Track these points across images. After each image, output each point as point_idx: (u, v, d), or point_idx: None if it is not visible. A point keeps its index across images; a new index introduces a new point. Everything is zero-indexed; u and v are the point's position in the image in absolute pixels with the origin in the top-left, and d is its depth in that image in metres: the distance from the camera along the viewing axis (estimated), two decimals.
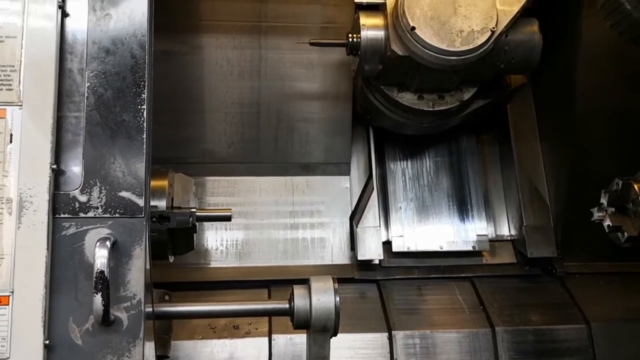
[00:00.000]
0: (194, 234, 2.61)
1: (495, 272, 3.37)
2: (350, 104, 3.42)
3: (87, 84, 1.97)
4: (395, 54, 2.71)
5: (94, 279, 1.79)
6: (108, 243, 1.84)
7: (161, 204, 2.45)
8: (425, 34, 2.61)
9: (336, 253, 3.36)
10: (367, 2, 2.84)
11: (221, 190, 3.39)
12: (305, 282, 2.26)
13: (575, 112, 3.31)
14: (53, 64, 1.93)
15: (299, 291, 2.22)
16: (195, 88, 3.33)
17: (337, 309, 2.18)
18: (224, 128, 3.37)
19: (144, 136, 1.97)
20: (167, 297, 2.56)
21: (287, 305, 2.23)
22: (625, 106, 3.11)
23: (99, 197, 1.92)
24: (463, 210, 3.53)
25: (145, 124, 1.97)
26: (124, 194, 1.93)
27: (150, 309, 1.99)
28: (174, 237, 2.54)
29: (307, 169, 3.48)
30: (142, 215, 1.93)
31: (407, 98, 2.97)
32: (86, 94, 1.97)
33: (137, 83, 1.99)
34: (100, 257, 1.80)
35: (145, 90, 1.99)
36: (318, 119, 3.43)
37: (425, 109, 2.97)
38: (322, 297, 2.19)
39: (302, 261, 3.31)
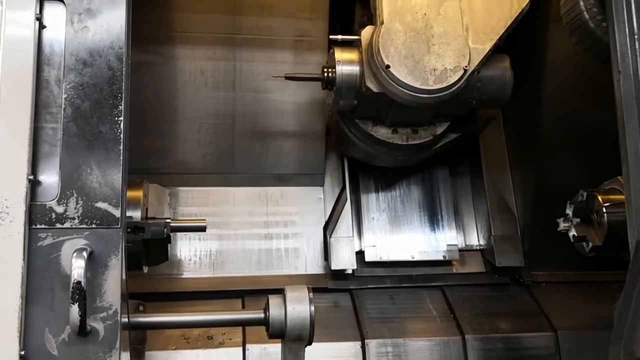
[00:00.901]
0: (168, 245, 2.60)
1: (465, 281, 3.44)
2: (325, 115, 3.45)
3: (64, 96, 1.97)
4: (370, 91, 2.73)
5: (71, 289, 1.80)
6: (85, 254, 1.84)
7: (136, 214, 2.44)
8: (400, 72, 2.64)
9: (310, 263, 3.39)
10: (342, 38, 2.86)
11: (195, 201, 3.39)
12: (279, 292, 2.28)
13: (541, 126, 3.38)
14: (30, 75, 1.93)
15: (274, 301, 2.25)
16: (169, 99, 3.34)
17: (312, 319, 2.21)
18: (199, 139, 3.38)
19: (121, 147, 1.98)
20: (141, 308, 2.56)
21: (262, 315, 2.25)
22: (589, 120, 3.19)
23: (75, 208, 1.92)
24: (434, 220, 3.59)
25: (122, 135, 1.98)
26: (100, 204, 1.94)
27: (126, 319, 1.99)
28: (148, 247, 2.53)
29: (281, 180, 3.51)
30: (119, 226, 1.94)
31: (382, 132, 3.00)
32: (63, 105, 1.97)
33: (114, 95, 2.00)
34: (77, 268, 1.81)
35: (123, 102, 2.00)
36: (292, 130, 3.46)
37: (400, 142, 3.01)
38: (297, 307, 2.22)
39: (276, 271, 3.33)
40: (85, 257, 1.84)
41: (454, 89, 2.69)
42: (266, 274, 3.30)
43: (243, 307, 3.09)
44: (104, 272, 1.90)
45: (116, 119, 1.99)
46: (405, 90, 2.65)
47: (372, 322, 3.12)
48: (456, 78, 2.67)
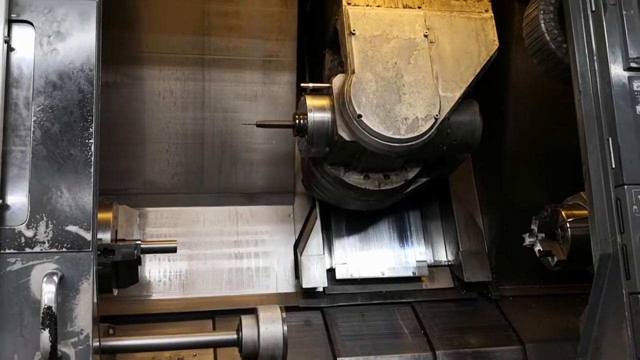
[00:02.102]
0: (139, 266, 2.58)
1: (434, 297, 3.48)
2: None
3: (33, 118, 1.96)
4: (342, 139, 2.73)
5: (41, 315, 1.77)
6: (55, 278, 1.82)
7: (105, 236, 2.42)
8: (372, 121, 2.64)
9: (281, 281, 3.39)
10: (313, 86, 2.86)
11: (165, 221, 3.38)
12: (250, 311, 2.29)
13: (505, 143, 3.47)
14: None
15: (247, 321, 2.25)
16: (137, 119, 3.32)
17: (284, 339, 2.22)
18: (167, 159, 3.37)
19: (92, 170, 1.97)
20: (111, 331, 2.53)
21: (235, 336, 2.24)
22: (550, 138, 3.29)
23: (45, 232, 1.90)
24: (403, 238, 3.63)
25: (92, 158, 1.97)
26: (71, 228, 1.92)
27: (97, 344, 1.96)
28: (118, 270, 2.51)
29: (251, 199, 3.52)
30: (90, 250, 1.92)
31: (354, 178, 3.00)
32: (32, 128, 1.95)
33: (84, 117, 1.99)
34: (47, 293, 1.78)
35: (93, 124, 1.99)
36: (262, 149, 3.47)
37: (371, 188, 3.01)
38: (270, 327, 2.22)
39: (247, 290, 3.32)
40: (56, 281, 1.81)
41: (425, 137, 2.70)
42: (237, 293, 3.29)
43: (214, 327, 3.07)
44: (75, 296, 1.88)
45: (87, 141, 1.98)
46: (378, 140, 2.65)
47: (344, 339, 3.13)
48: (427, 127, 2.68)
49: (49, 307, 1.77)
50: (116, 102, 3.25)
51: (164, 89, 3.31)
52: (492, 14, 2.98)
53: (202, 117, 3.36)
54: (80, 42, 2.03)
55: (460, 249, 3.55)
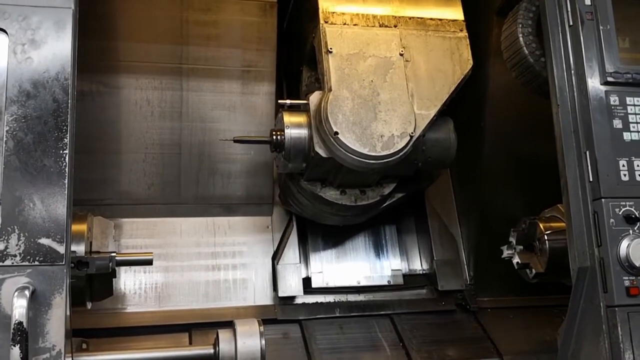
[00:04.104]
0: (113, 279, 2.54)
1: (412, 309, 3.47)
2: None
3: (6, 128, 1.90)
4: (319, 156, 2.74)
5: (12, 330, 1.72)
6: (27, 292, 1.77)
7: (79, 248, 2.36)
8: (348, 138, 2.65)
9: (259, 294, 3.35)
10: (290, 102, 2.87)
11: (140, 232, 3.32)
12: (228, 325, 2.25)
13: (483, 155, 3.48)
14: None
15: (224, 335, 2.21)
16: (113, 128, 3.27)
17: (262, 353, 2.19)
18: (144, 169, 3.32)
19: (66, 181, 1.92)
20: (84, 346, 2.46)
21: (211, 350, 2.21)
22: (527, 150, 3.31)
23: (17, 245, 1.85)
24: (378, 248, 3.64)
25: (67, 169, 1.93)
26: (44, 240, 1.87)
27: (70, 359, 1.92)
28: (92, 282, 2.46)
29: (229, 210, 3.48)
30: (63, 263, 1.87)
31: (330, 193, 3.01)
32: (5, 138, 1.90)
33: (59, 127, 1.94)
34: (18, 308, 1.73)
35: (68, 134, 1.94)
36: (240, 160, 3.44)
37: (348, 204, 3.02)
38: (248, 341, 2.19)
39: (224, 303, 3.27)
40: (28, 296, 1.76)
41: (401, 154, 2.72)
42: (214, 306, 3.24)
43: (190, 341, 3.02)
44: (47, 311, 1.83)
45: (61, 152, 1.93)
46: (354, 157, 2.66)
47: (322, 353, 3.10)
48: (403, 144, 2.70)
49: (20, 323, 1.72)
50: (92, 112, 3.20)
51: (141, 98, 3.27)
52: (467, 33, 3.02)
53: (180, 127, 3.33)
54: (55, 50, 1.98)
55: (435, 258, 3.59)
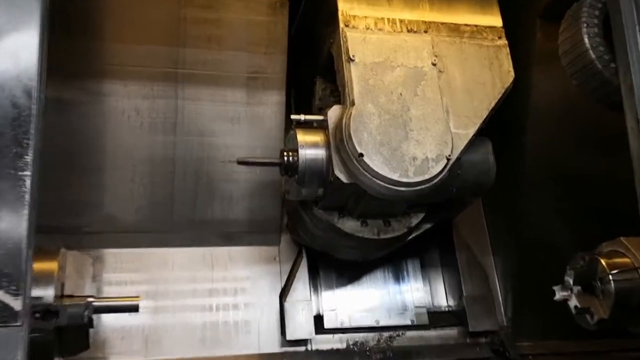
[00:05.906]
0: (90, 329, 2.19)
1: (444, 356, 3.17)
2: None
3: None
4: (339, 181, 2.45)
5: None
6: None
7: (47, 293, 1.99)
8: (375, 161, 2.37)
9: (264, 339, 3.09)
10: (305, 119, 2.59)
11: (125, 266, 3.06)
12: None
13: (523, 176, 3.22)
14: None
15: None
16: (95, 142, 3.03)
17: None
18: (130, 189, 3.07)
19: (26, 212, 1.56)
20: None
21: None
22: (578, 170, 3.07)
23: None
24: (399, 278, 3.39)
25: (27, 196, 1.57)
26: None
27: None
28: (63, 335, 2.09)
29: (230, 239, 3.23)
30: (19, 324, 1.49)
31: (349, 225, 2.71)
32: None
33: (18, 141, 1.60)
34: None
35: (31, 151, 1.60)
36: (243, 179, 3.18)
37: (370, 237, 2.72)
38: None
39: (224, 351, 3.01)
40: None
41: (436, 180, 2.44)
42: (211, 354, 2.97)
43: None
44: None
45: (20, 173, 1.58)
46: (382, 183, 2.38)
47: None
48: (439, 169, 2.42)
49: None
50: (72, 123, 2.96)
51: (130, 107, 3.01)
52: (506, 42, 2.80)
53: (174, 141, 3.08)
54: (17, 45, 1.69)
55: (464, 294, 3.33)
